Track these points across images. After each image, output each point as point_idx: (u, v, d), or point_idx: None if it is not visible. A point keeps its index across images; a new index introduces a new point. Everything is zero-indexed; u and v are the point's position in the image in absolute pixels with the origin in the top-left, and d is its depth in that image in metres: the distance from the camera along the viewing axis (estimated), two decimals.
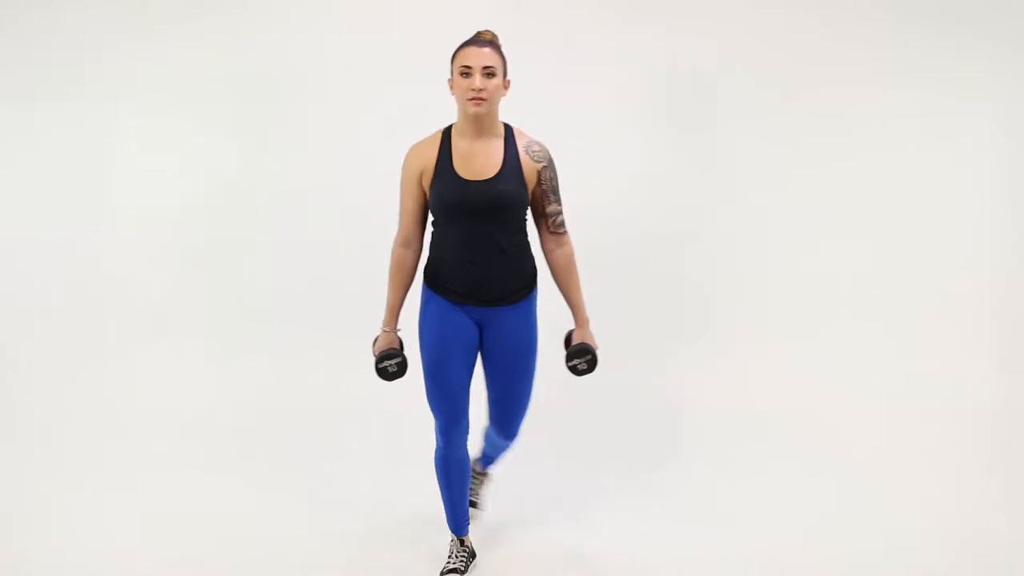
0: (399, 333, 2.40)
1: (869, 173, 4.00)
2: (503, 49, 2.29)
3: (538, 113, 4.02)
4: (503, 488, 2.86)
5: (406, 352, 2.38)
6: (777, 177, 4.01)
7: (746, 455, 3.30)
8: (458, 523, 2.49)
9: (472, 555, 2.51)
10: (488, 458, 2.68)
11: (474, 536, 2.59)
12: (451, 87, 2.26)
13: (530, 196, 2.31)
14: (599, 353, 2.40)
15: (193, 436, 3.46)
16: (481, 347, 2.38)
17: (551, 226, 2.35)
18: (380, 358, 2.34)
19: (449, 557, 2.48)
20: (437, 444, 2.40)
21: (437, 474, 2.43)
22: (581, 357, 2.38)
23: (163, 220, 4.07)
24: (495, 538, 2.68)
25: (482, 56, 2.20)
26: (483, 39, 2.27)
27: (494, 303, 2.31)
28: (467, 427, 2.39)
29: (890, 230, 4.02)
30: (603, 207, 3.93)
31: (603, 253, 3.95)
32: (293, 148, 4.02)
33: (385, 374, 2.33)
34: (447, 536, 2.54)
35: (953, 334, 3.95)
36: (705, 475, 3.14)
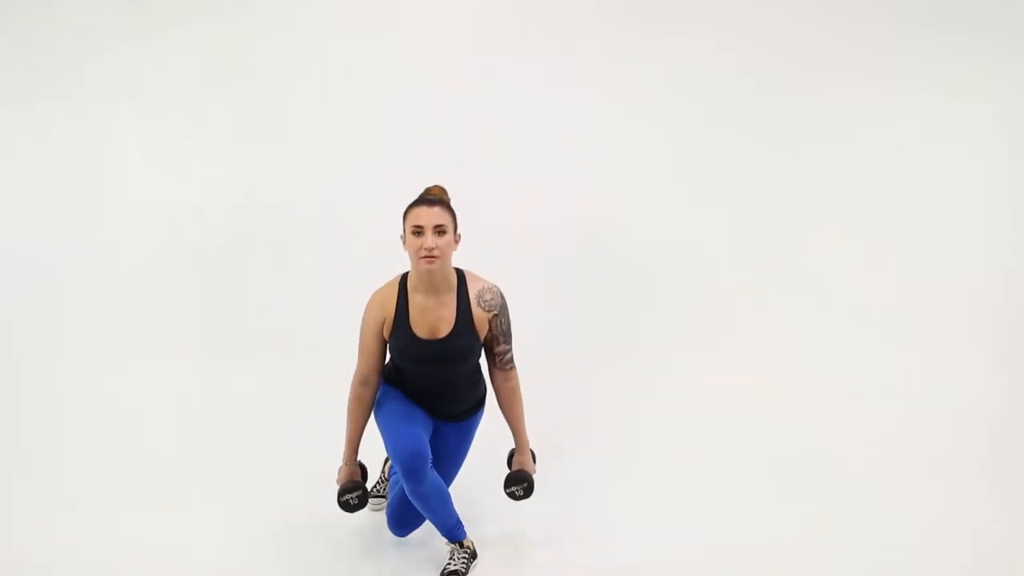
0: (359, 464, 2.52)
1: (869, 173, 4.00)
2: (452, 205, 2.38)
3: (538, 112, 4.06)
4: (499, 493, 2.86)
5: (368, 474, 2.54)
6: (776, 176, 4.01)
7: (744, 456, 3.30)
8: (451, 532, 2.49)
9: (473, 556, 2.51)
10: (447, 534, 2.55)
11: (473, 537, 2.58)
12: (403, 243, 2.35)
13: (482, 343, 2.43)
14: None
15: (192, 436, 3.46)
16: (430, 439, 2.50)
17: (499, 363, 2.46)
18: (342, 491, 2.44)
19: (450, 558, 2.48)
20: (407, 488, 2.35)
21: (417, 506, 2.41)
22: (518, 484, 2.50)
23: (162, 220, 4.07)
24: (494, 539, 2.67)
25: (432, 215, 2.29)
26: (432, 197, 2.36)
27: (444, 420, 2.49)
28: (429, 457, 2.37)
29: (890, 230, 4.02)
30: (601, 206, 3.93)
31: (601, 252, 3.96)
32: (293, 148, 4.02)
33: (347, 507, 2.44)
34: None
35: (953, 334, 3.95)
36: (702, 478, 3.13)
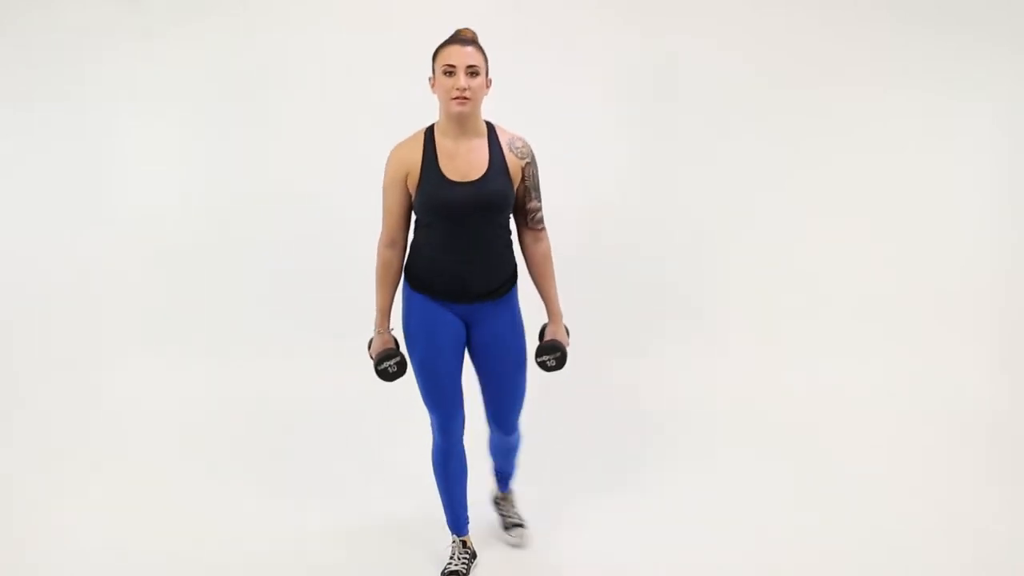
0: (392, 332, 2.40)
1: (869, 173, 4.00)
2: (484, 48, 2.27)
3: (538, 112, 4.04)
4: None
5: (402, 351, 2.39)
6: (775, 176, 4.01)
7: (741, 456, 3.30)
8: (458, 522, 2.48)
9: (473, 556, 2.51)
10: (502, 475, 2.67)
11: (474, 537, 2.58)
12: (432, 86, 2.25)
13: (515, 193, 2.30)
14: (569, 350, 2.40)
15: (192, 435, 3.46)
16: (469, 346, 2.39)
17: (530, 222, 2.34)
18: (379, 359, 2.34)
19: (451, 558, 2.47)
20: (435, 440, 2.40)
21: (435, 471, 2.43)
22: (550, 354, 2.37)
23: (163, 220, 4.07)
24: (494, 539, 2.67)
25: (465, 55, 2.18)
26: (465, 37, 2.24)
27: (478, 299, 2.31)
28: (463, 420, 2.39)
29: (889, 230, 4.02)
30: (600, 206, 3.93)
31: (600, 251, 3.96)
32: (293, 148, 4.01)
33: (386, 375, 2.34)
34: (448, 537, 2.54)
35: (953, 334, 3.95)
36: (698, 477, 3.14)
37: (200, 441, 3.41)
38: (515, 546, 2.62)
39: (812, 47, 3.94)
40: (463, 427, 2.40)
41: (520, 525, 2.65)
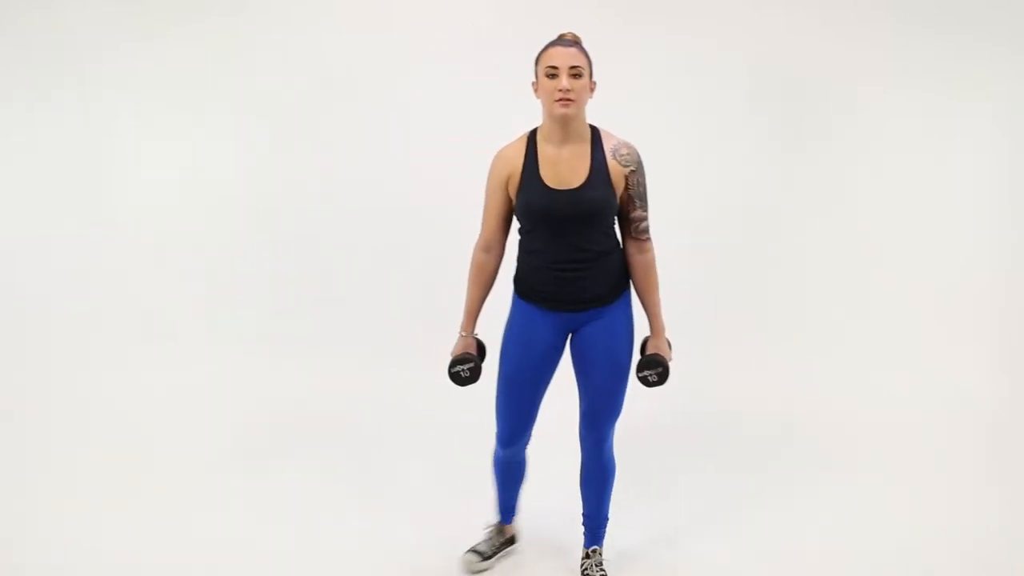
0: (477, 336, 2.37)
1: (868, 173, 4.00)
2: (587, 51, 2.23)
3: (538, 112, 4.05)
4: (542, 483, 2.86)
5: (487, 352, 2.39)
6: (775, 176, 4.01)
7: (745, 456, 3.30)
8: (504, 513, 2.52)
9: (510, 542, 2.54)
10: (592, 521, 2.45)
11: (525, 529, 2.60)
12: (535, 90, 2.19)
13: (618, 200, 2.23)
14: (672, 365, 2.32)
15: (192, 436, 3.46)
16: (571, 350, 2.33)
17: (634, 231, 2.26)
18: (453, 362, 2.30)
19: (483, 541, 2.51)
20: (496, 450, 2.41)
21: (495, 471, 2.45)
22: (652, 368, 2.29)
23: (163, 220, 4.07)
24: (542, 540, 2.66)
25: (568, 56, 2.13)
26: (568, 39, 2.21)
27: (582, 306, 2.25)
28: (529, 438, 2.37)
29: (889, 230, 4.02)
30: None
31: None
32: (293, 147, 4.02)
33: (457, 379, 2.30)
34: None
35: (953, 334, 3.95)
36: (708, 477, 3.14)
37: (200, 441, 3.41)
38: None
39: (812, 47, 3.94)
40: (526, 444, 2.37)
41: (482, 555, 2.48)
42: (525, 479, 2.49)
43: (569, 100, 2.11)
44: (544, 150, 2.19)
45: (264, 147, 4.03)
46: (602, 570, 2.41)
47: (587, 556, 2.43)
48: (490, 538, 2.53)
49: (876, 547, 2.64)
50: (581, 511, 2.46)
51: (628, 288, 2.31)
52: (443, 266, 4.00)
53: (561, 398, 2.44)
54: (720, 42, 3.94)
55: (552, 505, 2.75)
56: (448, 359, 2.33)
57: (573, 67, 2.12)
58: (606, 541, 2.47)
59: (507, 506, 2.52)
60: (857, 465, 3.20)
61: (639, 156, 2.24)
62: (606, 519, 2.44)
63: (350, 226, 4.03)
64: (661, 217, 3.97)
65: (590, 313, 2.26)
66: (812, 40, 3.94)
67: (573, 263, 2.20)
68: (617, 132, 2.28)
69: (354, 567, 2.54)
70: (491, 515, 2.58)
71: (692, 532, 2.71)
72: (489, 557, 2.49)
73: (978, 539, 2.68)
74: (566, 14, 3.94)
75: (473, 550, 2.48)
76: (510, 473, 2.45)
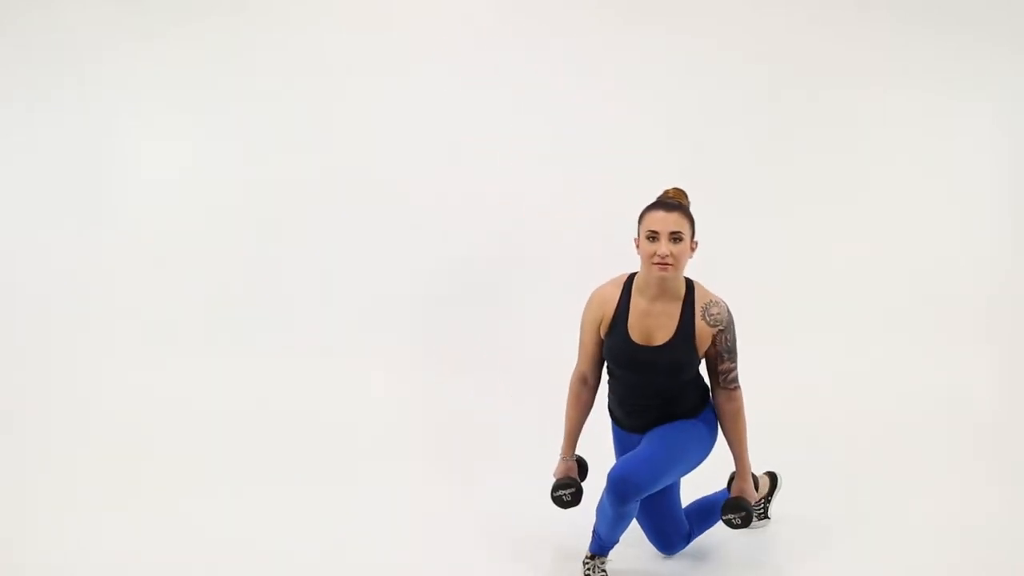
0: (575, 459, 2.43)
1: (868, 173, 4.00)
2: (691, 210, 2.29)
3: (538, 112, 4.05)
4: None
5: (588, 470, 2.47)
6: (775, 177, 4.01)
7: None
8: (602, 543, 2.39)
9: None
10: (600, 536, 2.42)
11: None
12: (636, 246, 2.27)
13: (703, 356, 2.30)
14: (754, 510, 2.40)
15: (192, 436, 3.46)
16: None
17: (722, 382, 2.33)
18: (556, 486, 2.39)
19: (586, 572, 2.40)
20: (608, 501, 2.29)
21: (601, 516, 2.35)
22: (735, 512, 2.35)
23: (163, 220, 4.07)
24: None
25: (669, 221, 2.20)
26: (672, 201, 2.27)
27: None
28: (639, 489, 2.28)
29: (889, 230, 4.02)
30: (599, 205, 3.93)
31: (602, 252, 3.95)
32: (293, 147, 4.02)
33: (560, 502, 2.39)
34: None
35: (953, 333, 3.95)
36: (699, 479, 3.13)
37: (200, 441, 3.41)
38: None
39: (812, 47, 3.94)
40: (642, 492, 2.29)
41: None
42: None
43: (667, 264, 2.19)
44: (636, 302, 2.28)
45: (264, 147, 4.02)
46: (603, 570, 2.41)
47: (591, 558, 2.43)
48: (597, 570, 2.40)
49: (875, 545, 2.64)
50: (594, 522, 2.42)
51: (706, 409, 2.39)
52: (444, 266, 4.03)
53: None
54: (720, 42, 3.94)
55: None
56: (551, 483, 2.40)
57: (673, 232, 2.19)
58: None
59: (608, 539, 2.38)
60: (855, 466, 3.20)
61: (729, 315, 2.32)
62: (614, 543, 2.41)
63: (350, 226, 4.03)
64: None
65: None
66: (812, 40, 3.94)
67: (649, 401, 2.32)
68: (708, 285, 2.35)
69: (354, 567, 2.54)
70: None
71: (701, 541, 2.70)
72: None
73: (979, 539, 2.68)
74: (566, 14, 3.95)
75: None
76: (621, 518, 2.31)
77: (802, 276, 4.02)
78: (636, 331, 2.27)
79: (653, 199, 2.29)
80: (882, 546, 2.64)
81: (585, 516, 2.46)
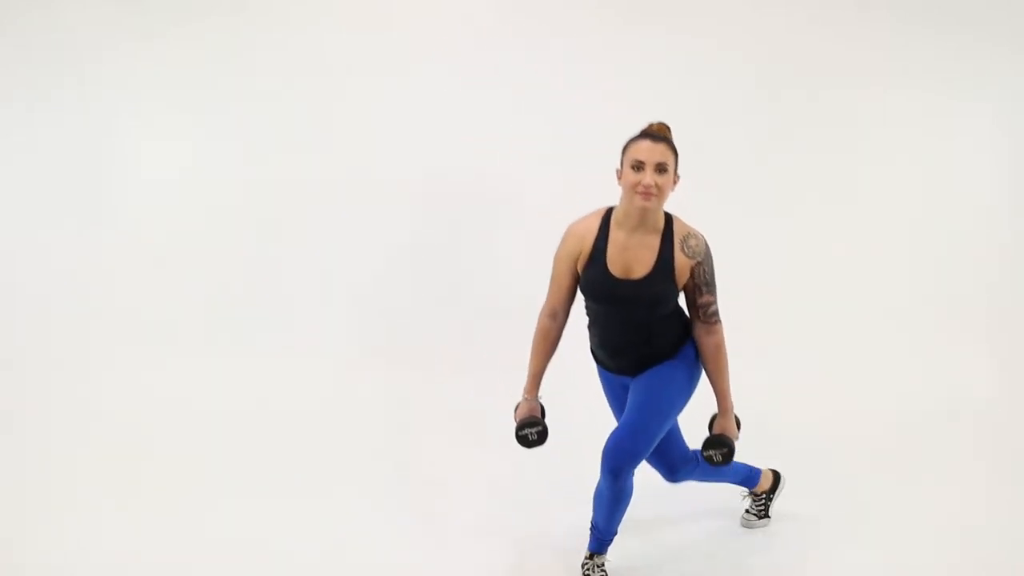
0: (541, 400, 2.40)
1: (868, 173, 4.00)
2: (675, 142, 2.27)
3: (538, 112, 4.05)
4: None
5: (545, 417, 2.40)
6: (775, 176, 4.01)
7: (743, 454, 3.29)
8: (602, 536, 2.38)
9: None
10: (597, 529, 2.41)
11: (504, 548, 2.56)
12: (619, 177, 2.26)
13: (681, 288, 2.29)
14: (737, 444, 2.38)
15: (192, 436, 3.46)
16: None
17: (702, 316, 2.31)
18: (520, 425, 2.35)
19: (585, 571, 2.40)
20: (603, 477, 2.31)
21: (598, 497, 2.35)
22: (717, 448, 2.35)
23: (163, 220, 4.07)
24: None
25: (656, 151, 2.19)
26: (658, 133, 2.25)
27: (641, 371, 2.34)
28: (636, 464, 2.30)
29: (889, 229, 4.02)
30: (599, 206, 3.92)
31: None
32: (294, 147, 4.02)
33: (525, 441, 2.35)
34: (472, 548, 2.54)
35: (953, 333, 3.95)
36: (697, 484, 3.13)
37: (200, 441, 3.41)
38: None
39: (812, 47, 3.94)
40: (634, 470, 2.30)
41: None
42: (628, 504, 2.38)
43: (650, 195, 2.17)
44: (615, 235, 2.26)
45: (264, 147, 4.03)
46: (603, 571, 2.40)
47: (590, 557, 2.43)
48: (596, 570, 2.40)
49: (875, 545, 2.64)
50: (591, 518, 2.43)
51: (687, 344, 2.36)
52: (445, 265, 4.03)
53: (585, 404, 2.48)
54: (720, 42, 3.94)
55: (561, 503, 2.76)
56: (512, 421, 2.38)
57: (659, 163, 2.18)
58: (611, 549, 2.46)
59: (606, 529, 2.37)
60: (855, 463, 3.20)
61: (707, 247, 2.31)
62: (614, 535, 2.41)
63: (350, 225, 4.03)
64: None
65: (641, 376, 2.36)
66: (812, 40, 3.94)
67: (629, 337, 2.30)
68: (685, 217, 2.33)
69: (354, 566, 2.54)
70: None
71: (698, 536, 2.71)
72: None
73: (979, 539, 2.68)
74: (566, 14, 3.95)
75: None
76: (615, 498, 2.32)
77: (802, 276, 4.02)
78: (615, 264, 2.24)
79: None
80: (882, 546, 2.64)
81: (583, 517, 2.45)
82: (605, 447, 2.28)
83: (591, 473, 2.36)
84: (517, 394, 2.42)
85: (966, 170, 4.01)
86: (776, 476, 2.78)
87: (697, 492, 2.62)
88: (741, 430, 2.45)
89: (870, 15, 3.92)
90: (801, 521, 2.80)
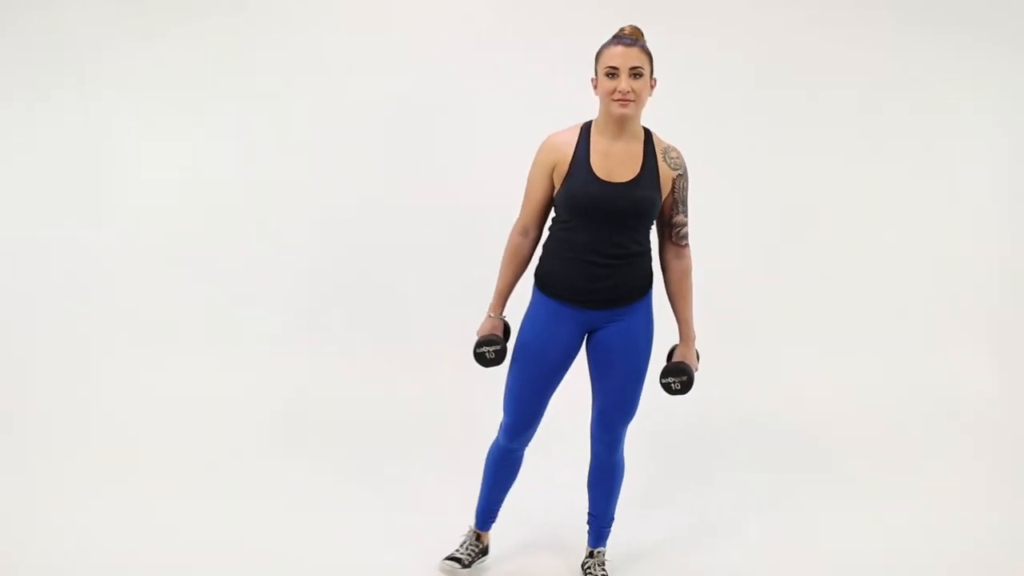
0: (504, 319, 2.34)
1: (868, 172, 4.00)
2: (649, 47, 2.21)
3: (538, 111, 4.05)
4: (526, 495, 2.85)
5: (510, 334, 2.34)
6: (775, 176, 4.01)
7: (743, 454, 3.30)
8: (485, 516, 2.45)
9: (484, 552, 2.48)
10: (598, 520, 2.44)
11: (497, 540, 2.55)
12: (594, 86, 2.19)
13: (662, 203, 2.23)
14: (697, 375, 2.30)
15: (192, 435, 3.46)
16: (590, 349, 2.31)
17: (674, 236, 2.27)
18: (479, 343, 2.28)
19: (459, 546, 2.46)
20: (497, 441, 2.37)
21: (487, 464, 2.40)
22: (676, 376, 2.26)
23: (163, 220, 4.07)
24: (512, 550, 2.64)
25: (629, 56, 2.12)
26: (630, 37, 2.18)
27: (609, 305, 2.24)
28: (533, 434, 2.34)
29: (889, 229, 4.02)
30: None
31: None
32: (293, 147, 4.01)
33: (483, 359, 2.28)
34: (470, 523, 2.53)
35: (953, 333, 3.95)
36: (699, 477, 3.14)
37: (200, 441, 3.41)
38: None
39: (812, 47, 3.94)
40: (530, 439, 2.35)
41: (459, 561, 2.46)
42: (513, 484, 2.44)
43: (628, 100, 2.11)
44: (597, 142, 2.19)
45: (264, 147, 4.02)
46: (603, 570, 2.41)
47: (590, 556, 2.43)
48: (468, 544, 2.46)
49: (875, 544, 2.64)
50: (587, 510, 2.44)
51: (650, 291, 2.30)
52: (448, 266, 4.02)
53: (568, 396, 2.44)
54: (720, 42, 3.94)
55: (556, 502, 2.76)
56: (471, 341, 2.33)
57: (634, 67, 2.12)
58: (610, 541, 2.46)
59: (491, 510, 2.45)
60: (853, 466, 3.20)
61: (685, 162, 2.26)
62: (612, 520, 2.43)
63: (351, 225, 4.03)
64: None
65: (612, 312, 2.24)
66: (812, 40, 3.94)
67: (607, 259, 2.18)
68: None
69: (355, 566, 2.54)
70: (470, 519, 2.52)
71: (699, 536, 2.71)
72: (468, 565, 2.42)
73: (979, 539, 2.68)
74: (566, 14, 3.95)
75: (452, 557, 2.42)
76: (504, 470, 2.39)
77: (801, 275, 4.02)
78: (601, 169, 2.16)
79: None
80: (882, 545, 2.64)
81: (580, 515, 2.45)
82: (596, 423, 2.29)
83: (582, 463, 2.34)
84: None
85: (966, 170, 4.01)
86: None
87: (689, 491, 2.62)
88: (700, 362, 2.36)
89: (870, 15, 3.92)
90: (801, 520, 2.80)
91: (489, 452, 2.41)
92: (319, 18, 3.96)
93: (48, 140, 4.03)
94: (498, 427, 2.39)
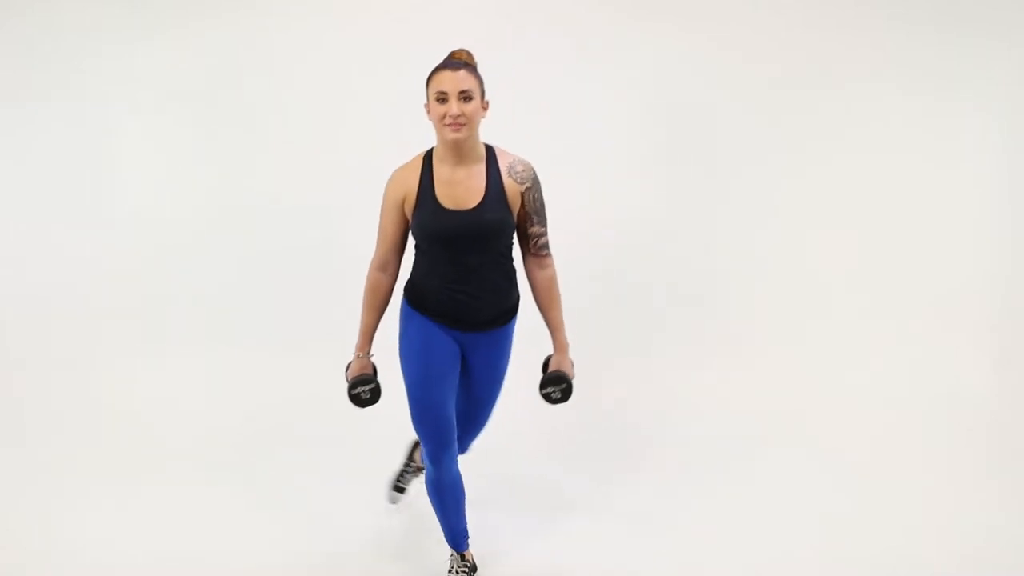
0: (372, 358, 2.34)
1: (868, 173, 4.00)
2: (479, 69, 2.20)
3: (536, 111, 4.05)
4: (499, 501, 2.85)
5: (381, 377, 2.33)
6: (775, 176, 4.01)
7: (743, 454, 3.30)
8: (456, 539, 2.42)
9: (473, 569, 2.45)
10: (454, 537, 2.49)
11: (475, 550, 2.54)
12: (427, 112, 2.19)
13: (515, 219, 2.24)
14: (575, 381, 2.32)
15: (189, 438, 3.46)
16: (461, 370, 2.35)
17: (533, 248, 2.28)
18: (353, 384, 2.27)
19: (449, 571, 2.44)
20: (426, 470, 2.34)
21: (430, 498, 2.37)
22: (555, 385, 2.30)
23: (162, 220, 4.07)
24: (495, 553, 2.64)
25: (457, 80, 2.11)
26: (458, 61, 2.17)
27: (476, 328, 2.27)
28: (456, 450, 2.33)
29: (889, 230, 4.02)
30: (597, 205, 3.93)
31: (601, 251, 3.96)
32: (293, 147, 4.01)
33: (358, 400, 2.27)
34: (447, 549, 2.51)
35: (953, 333, 3.95)
36: (701, 479, 3.14)
37: (199, 441, 3.41)
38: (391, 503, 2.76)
39: (812, 47, 3.94)
40: (456, 455, 2.32)
41: (400, 490, 2.75)
42: (465, 497, 2.39)
43: (459, 124, 2.11)
44: (439, 171, 2.19)
45: (264, 147, 4.02)
46: (465, 568, 2.40)
47: (460, 559, 2.44)
48: (457, 569, 2.42)
49: (875, 544, 2.64)
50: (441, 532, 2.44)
51: (516, 314, 2.35)
52: None
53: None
54: (720, 42, 3.93)
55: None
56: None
57: (462, 91, 2.11)
58: (485, 547, 2.50)
59: (457, 531, 2.41)
60: (852, 467, 3.20)
61: (535, 172, 2.25)
62: (465, 532, 2.43)
63: (350, 225, 4.02)
64: (661, 214, 4.01)
65: (481, 335, 2.29)
66: (811, 40, 3.93)
67: (466, 285, 2.22)
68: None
69: (354, 566, 2.54)
70: (446, 549, 2.48)
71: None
72: None
73: (976, 538, 2.69)
74: (566, 14, 3.95)
75: None
76: (447, 494, 2.34)
77: (801, 274, 4.02)
78: (446, 198, 2.17)
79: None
80: (882, 546, 2.65)
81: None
82: (459, 441, 2.38)
83: None
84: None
85: (965, 169, 4.01)
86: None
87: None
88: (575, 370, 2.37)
89: (870, 15, 3.92)
90: (800, 518, 2.80)
91: (426, 484, 2.36)
92: (319, 18, 3.96)
93: (48, 140, 4.03)
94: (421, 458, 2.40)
